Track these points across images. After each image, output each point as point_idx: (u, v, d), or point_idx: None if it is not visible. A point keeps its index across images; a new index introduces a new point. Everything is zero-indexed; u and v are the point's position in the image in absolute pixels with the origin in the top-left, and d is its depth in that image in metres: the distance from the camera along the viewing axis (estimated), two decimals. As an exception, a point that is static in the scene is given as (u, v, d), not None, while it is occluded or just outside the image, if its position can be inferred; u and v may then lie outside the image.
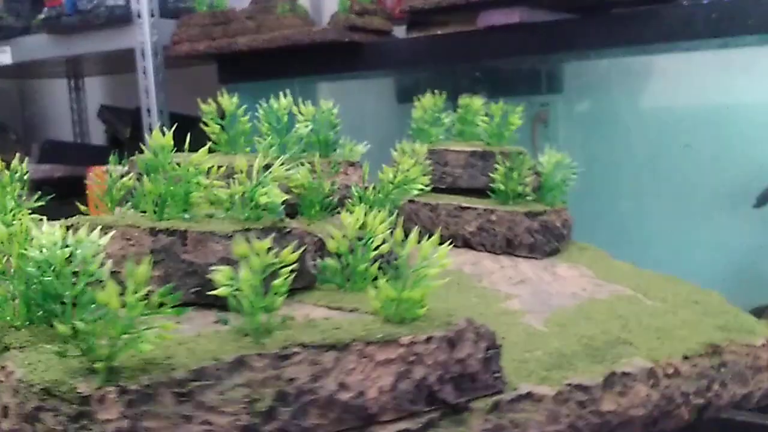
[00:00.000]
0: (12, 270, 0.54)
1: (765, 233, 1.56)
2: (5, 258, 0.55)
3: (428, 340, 0.56)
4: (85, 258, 0.50)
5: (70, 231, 0.52)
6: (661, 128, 1.66)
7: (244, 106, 0.91)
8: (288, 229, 0.61)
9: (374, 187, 0.88)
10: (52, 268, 0.50)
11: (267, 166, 0.63)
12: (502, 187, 1.00)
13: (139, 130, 2.15)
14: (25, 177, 0.70)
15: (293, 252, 0.55)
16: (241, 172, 0.61)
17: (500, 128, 1.07)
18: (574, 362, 0.66)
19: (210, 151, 0.89)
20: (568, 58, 1.68)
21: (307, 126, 0.91)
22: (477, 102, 1.12)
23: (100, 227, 0.54)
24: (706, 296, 0.85)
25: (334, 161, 0.88)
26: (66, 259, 0.50)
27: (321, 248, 0.68)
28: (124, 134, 2.62)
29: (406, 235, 0.97)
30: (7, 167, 0.66)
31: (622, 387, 0.65)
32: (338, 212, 0.79)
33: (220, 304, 0.55)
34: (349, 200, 0.84)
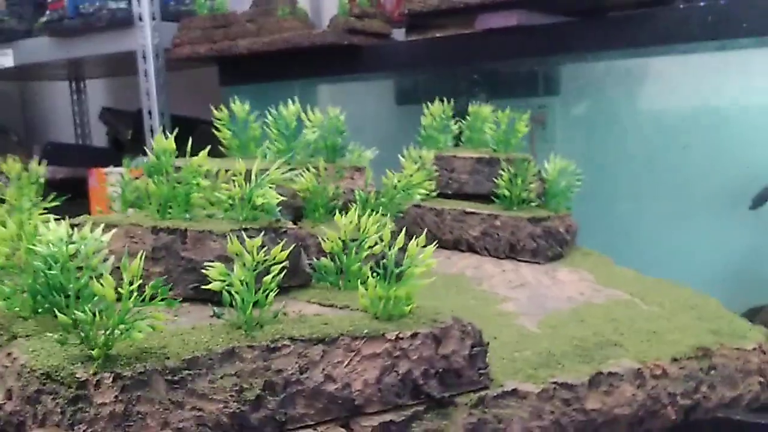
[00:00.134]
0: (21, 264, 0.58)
1: (761, 235, 1.55)
2: (15, 253, 0.58)
3: (414, 336, 0.58)
4: (87, 254, 0.53)
5: (76, 228, 0.55)
6: (657, 130, 1.66)
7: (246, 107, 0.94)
8: (283, 229, 0.64)
9: (378, 192, 0.91)
10: (57, 263, 0.53)
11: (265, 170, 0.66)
12: (507, 193, 1.02)
13: (140, 132, 2.15)
14: (41, 180, 0.74)
15: (288, 251, 0.58)
16: (240, 174, 0.64)
17: (507, 135, 1.09)
18: (562, 362, 0.68)
19: (221, 155, 0.93)
20: (565, 61, 1.69)
21: (314, 132, 0.94)
22: (486, 110, 1.14)
23: (104, 225, 0.57)
24: (703, 302, 0.86)
25: (339, 166, 0.91)
26: (70, 254, 0.54)
27: (321, 249, 0.70)
28: (126, 136, 2.62)
29: (412, 239, 1.00)
30: None
31: (607, 386, 0.66)
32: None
33: (216, 299, 0.58)
34: (353, 204, 0.87)
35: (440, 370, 0.59)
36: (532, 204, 1.03)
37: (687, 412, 0.70)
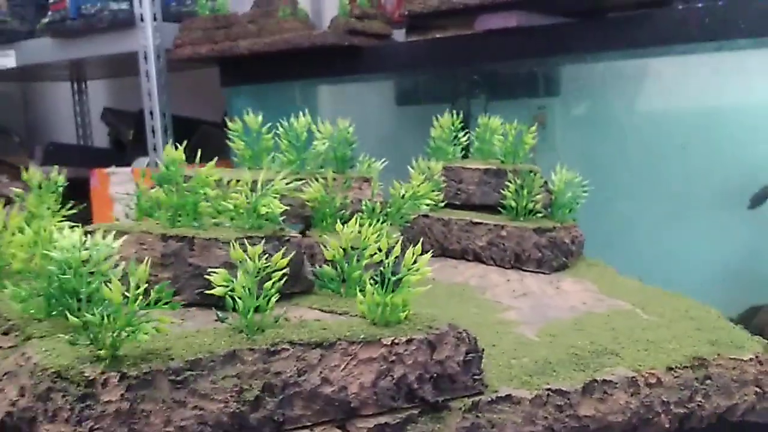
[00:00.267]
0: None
1: (760, 234, 1.56)
2: (33, 258, 0.62)
3: (409, 341, 0.60)
4: (98, 259, 0.56)
5: (89, 235, 0.58)
6: (656, 130, 1.67)
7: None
8: (287, 238, 0.67)
9: (385, 202, 0.93)
10: (70, 268, 0.57)
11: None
12: (513, 204, 1.04)
13: (141, 133, 2.17)
14: (60, 188, 0.78)
15: (291, 258, 0.60)
16: (247, 185, 0.67)
17: (515, 147, 1.11)
18: (558, 369, 0.70)
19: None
20: (564, 62, 1.70)
21: (324, 143, 0.96)
22: (495, 122, 1.16)
23: (116, 232, 0.60)
24: (703, 312, 0.87)
25: (347, 177, 0.94)
26: (83, 260, 0.57)
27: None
28: (127, 136, 2.64)
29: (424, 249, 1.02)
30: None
31: (601, 394, 0.68)
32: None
33: (221, 303, 0.61)
34: (361, 213, 0.89)
35: (435, 375, 0.61)
36: (539, 215, 1.04)
37: (681, 420, 0.71)
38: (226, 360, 0.55)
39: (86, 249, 0.57)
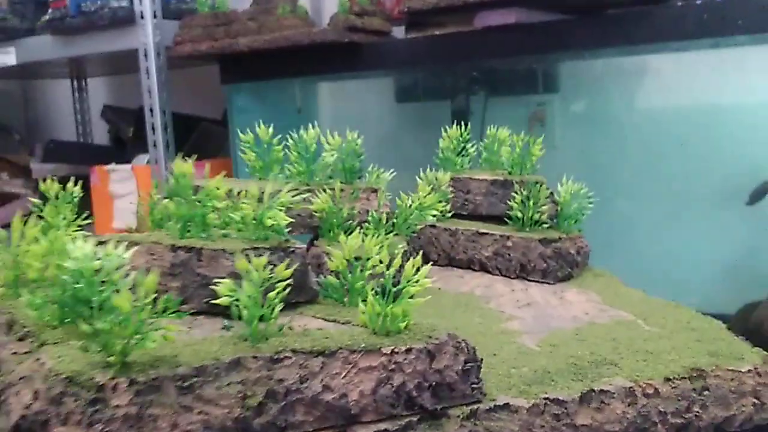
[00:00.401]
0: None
1: (758, 230, 1.56)
2: (47, 268, 0.64)
3: (408, 350, 0.62)
4: (110, 269, 0.58)
5: (101, 246, 0.61)
6: (655, 127, 1.68)
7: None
8: (291, 249, 0.69)
9: (391, 212, 0.96)
10: (83, 277, 0.59)
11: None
12: (519, 215, 1.05)
13: (141, 130, 2.18)
14: (75, 198, 0.81)
15: (296, 269, 0.63)
16: (254, 197, 0.69)
17: (522, 158, 1.12)
18: (556, 379, 0.71)
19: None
20: (563, 58, 1.71)
21: (333, 155, 0.99)
22: (503, 132, 1.18)
23: (127, 243, 0.63)
24: (705, 323, 0.89)
25: (355, 188, 0.96)
26: (95, 270, 0.59)
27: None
28: (127, 134, 2.65)
29: (426, 258, 1.04)
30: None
31: (598, 403, 0.69)
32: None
33: (228, 312, 0.63)
34: (367, 224, 0.91)
35: (433, 383, 0.63)
36: (544, 225, 1.06)
37: (678, 430, 0.72)
38: (231, 367, 0.57)
39: (98, 259, 0.60)
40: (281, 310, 0.63)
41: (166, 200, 0.82)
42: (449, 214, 1.10)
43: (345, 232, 0.91)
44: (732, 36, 1.36)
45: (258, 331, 0.60)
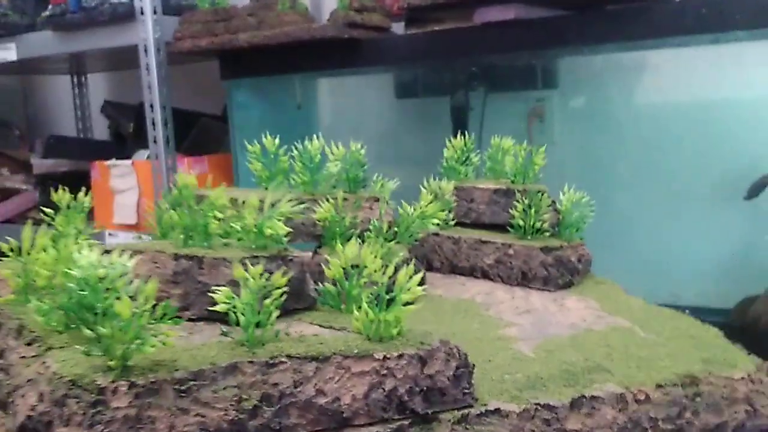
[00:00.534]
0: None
1: (757, 224, 1.56)
2: (55, 276, 0.67)
3: (400, 356, 0.64)
4: (114, 277, 0.61)
5: (106, 254, 0.64)
6: (654, 123, 1.68)
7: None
8: (290, 257, 0.71)
9: (392, 221, 0.98)
10: (88, 285, 0.62)
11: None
12: (521, 223, 1.07)
13: (142, 126, 2.18)
14: (87, 208, 0.84)
15: (294, 277, 0.65)
16: (253, 207, 0.72)
17: (525, 167, 1.14)
18: (548, 384, 0.73)
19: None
20: (563, 54, 1.71)
21: (337, 165, 1.01)
22: (507, 142, 1.19)
23: (132, 252, 0.65)
24: (702, 331, 0.90)
25: (357, 197, 0.98)
26: (100, 277, 0.62)
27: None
28: (127, 129, 2.66)
29: (430, 265, 1.06)
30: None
31: (589, 409, 0.71)
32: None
33: (227, 319, 0.65)
34: (369, 232, 0.94)
35: (425, 388, 0.65)
36: (546, 234, 1.07)
37: (669, 435, 0.74)
38: (228, 371, 0.60)
39: (103, 267, 0.62)
40: (279, 317, 0.65)
41: (172, 211, 0.85)
42: (452, 223, 1.12)
43: (347, 241, 0.93)
44: (730, 32, 1.36)
45: (254, 336, 0.63)
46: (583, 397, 0.71)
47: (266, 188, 1.01)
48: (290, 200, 0.73)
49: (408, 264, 0.70)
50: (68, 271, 0.62)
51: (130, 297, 0.58)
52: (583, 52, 1.64)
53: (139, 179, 2.20)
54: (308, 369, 0.62)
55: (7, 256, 0.76)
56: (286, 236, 0.72)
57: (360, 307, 0.66)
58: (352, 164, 1.02)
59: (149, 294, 0.57)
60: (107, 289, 0.61)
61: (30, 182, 2.76)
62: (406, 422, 0.64)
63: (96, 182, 2.30)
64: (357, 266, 0.74)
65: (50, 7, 2.24)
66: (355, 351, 0.63)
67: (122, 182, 2.23)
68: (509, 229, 1.09)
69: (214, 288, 0.63)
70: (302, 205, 0.78)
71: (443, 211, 1.03)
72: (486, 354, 0.79)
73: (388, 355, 0.64)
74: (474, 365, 0.68)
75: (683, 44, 1.48)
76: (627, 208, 1.68)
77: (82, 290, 0.62)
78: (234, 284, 0.67)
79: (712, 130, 1.62)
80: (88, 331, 0.58)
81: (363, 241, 0.79)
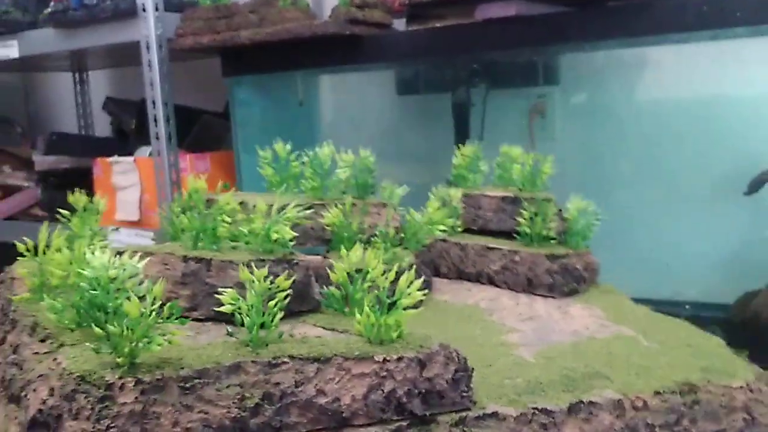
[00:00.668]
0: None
1: (757, 220, 1.55)
2: (68, 275, 0.70)
3: (399, 359, 0.66)
4: (124, 278, 0.63)
5: (118, 256, 0.66)
6: (655, 119, 1.68)
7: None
8: (295, 261, 0.73)
9: (399, 227, 0.99)
10: (99, 285, 0.64)
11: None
12: (527, 231, 1.08)
13: (144, 122, 2.18)
14: (101, 211, 0.86)
15: (299, 280, 0.67)
16: (261, 211, 0.74)
17: (532, 175, 1.15)
18: (547, 390, 0.74)
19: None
20: (564, 50, 1.70)
21: (346, 171, 1.03)
22: (515, 150, 1.21)
23: (142, 253, 0.68)
24: (704, 340, 0.90)
25: (366, 203, 1.00)
26: (111, 278, 0.64)
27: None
28: (129, 126, 2.66)
29: (437, 271, 1.07)
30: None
31: (587, 414, 0.72)
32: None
33: (233, 320, 0.67)
34: (376, 237, 0.95)
35: (423, 390, 0.66)
36: (552, 241, 1.09)
37: (666, 442, 0.75)
38: (231, 370, 0.62)
39: (114, 268, 0.65)
40: (284, 319, 0.67)
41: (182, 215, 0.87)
42: (460, 229, 1.14)
43: (354, 245, 0.95)
44: (731, 28, 1.36)
45: (258, 337, 0.65)
46: (581, 402, 0.72)
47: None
48: (297, 205, 0.75)
49: (411, 269, 0.72)
50: (81, 271, 0.65)
51: (140, 297, 0.61)
52: (584, 48, 1.64)
53: (141, 176, 2.20)
54: (309, 369, 0.64)
55: (24, 256, 0.78)
56: (292, 240, 0.74)
57: (362, 311, 0.68)
58: (361, 170, 1.04)
59: (157, 294, 0.59)
60: (117, 289, 0.64)
61: (32, 179, 2.77)
62: (404, 423, 0.66)
63: (98, 179, 2.31)
64: (361, 270, 0.75)
65: (52, 4, 2.25)
66: (356, 353, 0.65)
67: (124, 179, 2.24)
68: (516, 236, 1.10)
69: (221, 289, 0.65)
70: (309, 210, 0.80)
71: (450, 217, 1.05)
72: (487, 359, 0.81)
73: (387, 358, 0.65)
74: (473, 369, 0.70)
75: (684, 41, 1.48)
76: (628, 204, 1.68)
77: (94, 290, 0.64)
78: (240, 286, 0.69)
79: (713, 126, 1.62)
80: (98, 329, 0.60)
81: (371, 246, 0.81)
